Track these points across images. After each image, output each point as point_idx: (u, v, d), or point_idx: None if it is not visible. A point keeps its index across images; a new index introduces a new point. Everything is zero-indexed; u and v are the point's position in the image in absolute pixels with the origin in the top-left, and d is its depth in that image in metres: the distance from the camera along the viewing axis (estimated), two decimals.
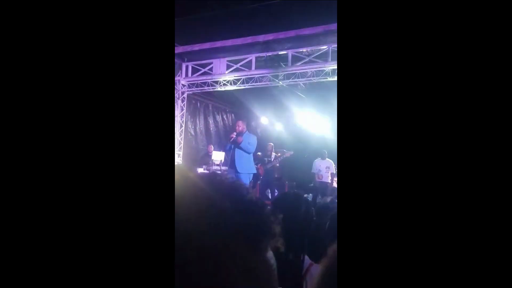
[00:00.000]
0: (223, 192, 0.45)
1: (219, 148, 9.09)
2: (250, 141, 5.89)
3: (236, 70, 7.41)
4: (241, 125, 5.92)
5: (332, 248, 0.54)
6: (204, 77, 7.75)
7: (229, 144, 6.04)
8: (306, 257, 1.62)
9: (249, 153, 5.86)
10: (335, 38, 6.37)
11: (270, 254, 0.46)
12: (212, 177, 0.48)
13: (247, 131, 6.03)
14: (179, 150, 7.92)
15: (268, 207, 0.46)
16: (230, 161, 6.02)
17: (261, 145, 8.15)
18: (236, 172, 5.80)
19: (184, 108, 8.15)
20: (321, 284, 0.52)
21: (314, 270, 1.54)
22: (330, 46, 6.50)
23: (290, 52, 6.87)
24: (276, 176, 8.96)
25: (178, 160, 7.73)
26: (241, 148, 5.81)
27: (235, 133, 5.90)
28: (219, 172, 7.57)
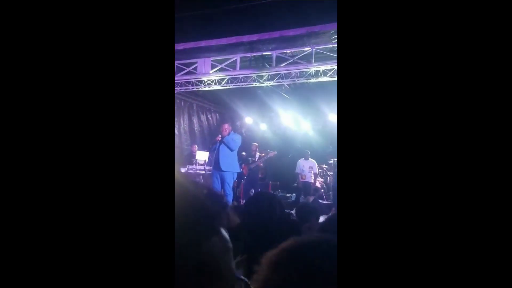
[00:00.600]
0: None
1: (203, 148, 9.05)
2: (234, 138, 5.92)
3: (221, 70, 7.42)
4: (227, 128, 5.95)
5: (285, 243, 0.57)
6: (188, 77, 7.73)
7: (214, 145, 6.06)
8: None
9: (232, 150, 5.87)
10: (319, 40, 6.46)
11: (225, 233, 0.51)
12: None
13: (232, 131, 6.06)
14: None
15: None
16: (214, 160, 6.02)
17: (246, 145, 8.18)
18: (220, 170, 5.81)
19: None
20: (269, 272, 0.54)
21: None
22: (313, 48, 6.58)
23: (274, 53, 6.92)
24: (260, 176, 9.00)
25: None
26: (224, 144, 5.82)
27: (220, 136, 5.92)
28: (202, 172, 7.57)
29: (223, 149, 5.86)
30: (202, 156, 8.11)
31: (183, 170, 7.34)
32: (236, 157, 6.17)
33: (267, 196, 2.16)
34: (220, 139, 5.89)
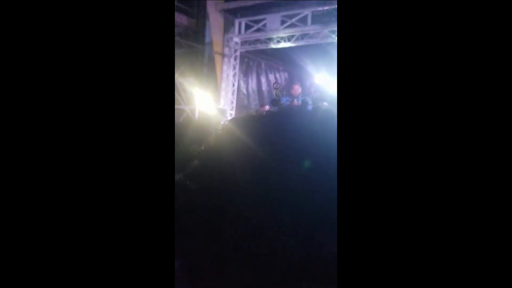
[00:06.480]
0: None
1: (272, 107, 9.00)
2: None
3: (291, 26, 7.07)
4: (297, 89, 5.89)
5: None
6: (257, 34, 7.52)
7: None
8: None
9: None
10: None
11: None
12: None
13: (302, 93, 6.00)
14: (231, 110, 7.94)
15: None
16: None
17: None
18: None
19: (237, 67, 8.04)
20: None
21: None
22: None
23: None
24: None
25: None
26: None
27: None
28: None
29: None
30: None
31: None
32: None
33: None
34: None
